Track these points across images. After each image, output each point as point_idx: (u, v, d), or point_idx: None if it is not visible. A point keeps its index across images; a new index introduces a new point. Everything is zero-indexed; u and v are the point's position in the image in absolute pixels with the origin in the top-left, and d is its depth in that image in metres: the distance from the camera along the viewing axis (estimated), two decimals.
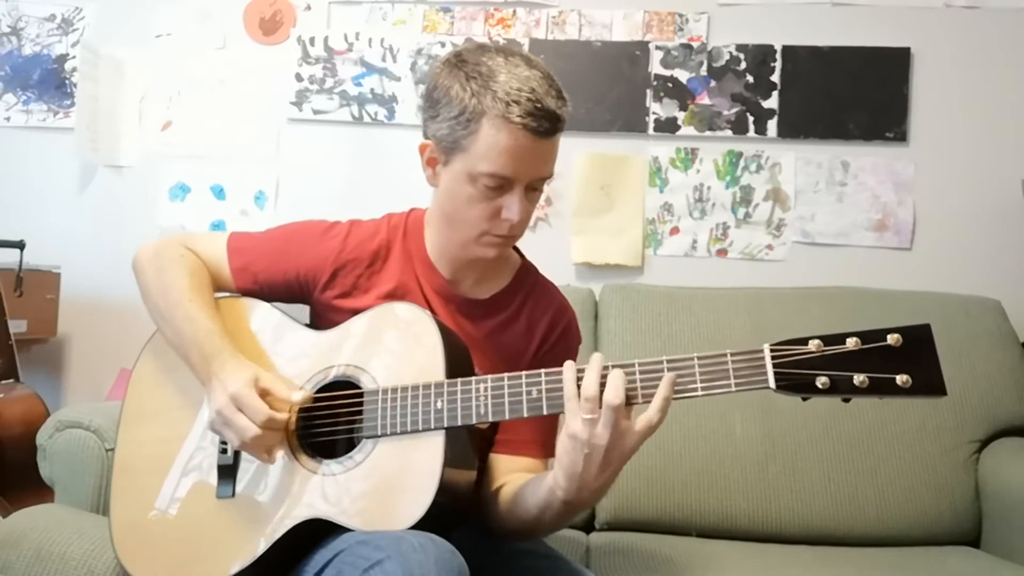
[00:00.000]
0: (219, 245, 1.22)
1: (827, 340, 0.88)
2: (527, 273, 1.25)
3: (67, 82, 2.43)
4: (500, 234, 1.09)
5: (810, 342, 0.88)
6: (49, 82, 2.44)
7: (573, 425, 0.92)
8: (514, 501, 1.06)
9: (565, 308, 1.24)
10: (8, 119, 2.44)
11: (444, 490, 0.96)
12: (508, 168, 1.03)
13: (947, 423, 1.72)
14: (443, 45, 2.30)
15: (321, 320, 1.19)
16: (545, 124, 1.02)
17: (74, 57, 2.42)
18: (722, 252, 2.20)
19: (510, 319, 1.20)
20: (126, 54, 2.41)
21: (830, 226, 2.17)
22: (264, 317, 1.17)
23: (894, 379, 0.86)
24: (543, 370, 0.98)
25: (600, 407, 0.90)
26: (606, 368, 0.93)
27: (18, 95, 2.44)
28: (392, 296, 1.15)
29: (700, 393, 0.91)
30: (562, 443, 0.94)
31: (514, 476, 1.12)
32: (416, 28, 2.32)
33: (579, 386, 0.93)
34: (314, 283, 1.18)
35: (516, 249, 1.25)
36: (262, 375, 1.05)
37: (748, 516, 1.67)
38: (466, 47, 1.10)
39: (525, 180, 1.05)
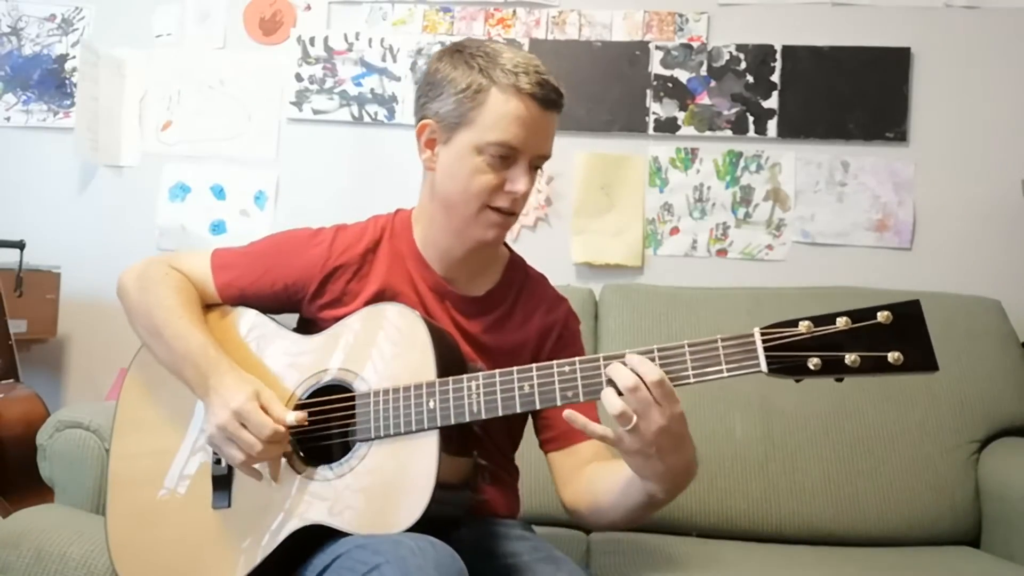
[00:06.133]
0: (203, 262, 1.19)
1: (817, 321, 0.88)
2: (516, 267, 1.25)
3: (67, 82, 2.43)
4: (502, 207, 1.09)
5: (800, 323, 0.88)
6: (49, 82, 2.44)
7: (626, 440, 0.91)
8: (611, 506, 1.06)
9: (558, 298, 1.25)
10: (8, 119, 2.44)
11: (441, 490, 0.95)
12: (517, 137, 1.06)
13: (947, 423, 1.72)
14: (443, 45, 2.29)
15: (311, 329, 1.17)
16: (552, 95, 1.07)
17: (74, 57, 2.42)
18: (722, 252, 2.20)
19: (505, 315, 1.20)
20: (126, 54, 2.41)
21: (830, 226, 2.17)
22: (253, 325, 1.16)
23: (886, 356, 0.85)
24: (534, 364, 0.98)
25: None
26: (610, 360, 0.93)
27: (18, 95, 2.44)
28: (380, 298, 1.14)
29: (692, 380, 0.91)
30: (632, 462, 0.95)
31: (587, 470, 1.12)
32: (416, 28, 2.32)
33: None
34: (303, 293, 1.17)
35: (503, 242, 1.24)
36: (263, 390, 1.04)
37: (748, 516, 1.67)
38: (462, 40, 1.15)
39: (530, 153, 1.08)
